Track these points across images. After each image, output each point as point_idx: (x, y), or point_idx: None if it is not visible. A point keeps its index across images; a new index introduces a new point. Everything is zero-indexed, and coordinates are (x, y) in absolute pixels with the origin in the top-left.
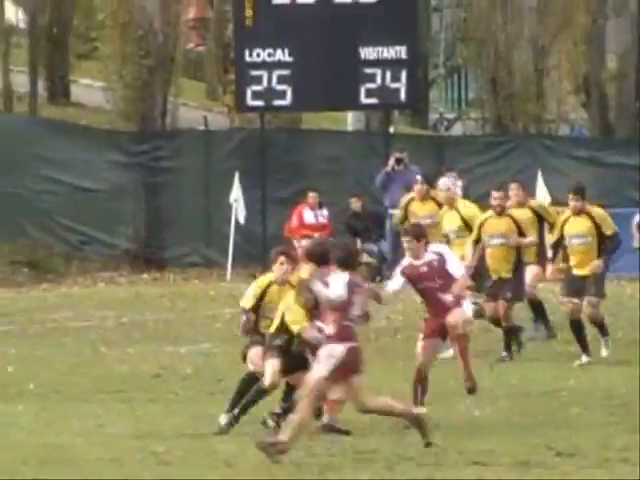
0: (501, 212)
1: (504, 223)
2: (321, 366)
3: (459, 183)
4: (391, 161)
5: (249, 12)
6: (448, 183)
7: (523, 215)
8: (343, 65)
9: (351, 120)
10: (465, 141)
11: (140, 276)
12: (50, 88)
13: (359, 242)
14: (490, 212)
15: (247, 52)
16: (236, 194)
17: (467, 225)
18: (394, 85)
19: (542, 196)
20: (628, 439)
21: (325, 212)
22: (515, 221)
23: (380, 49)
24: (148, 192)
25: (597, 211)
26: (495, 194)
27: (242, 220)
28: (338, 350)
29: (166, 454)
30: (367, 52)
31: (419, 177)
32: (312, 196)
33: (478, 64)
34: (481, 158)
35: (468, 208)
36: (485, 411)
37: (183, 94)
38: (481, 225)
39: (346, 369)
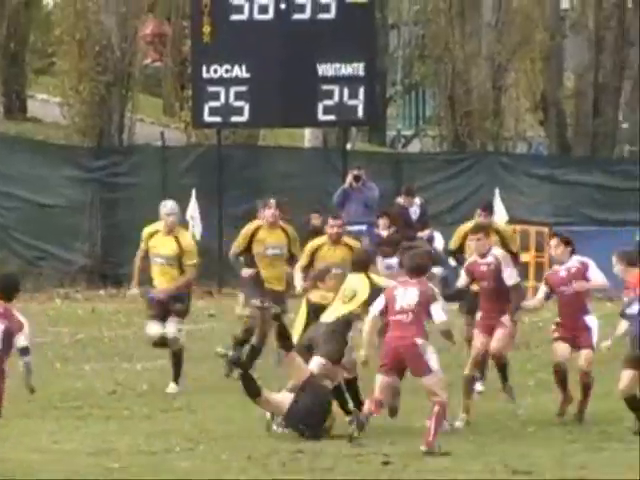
0: None
1: None
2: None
3: (416, 201)
4: (349, 178)
5: (207, 28)
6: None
7: None
8: (301, 82)
9: (309, 137)
10: (422, 158)
11: (96, 292)
12: (6, 103)
13: None
14: None
15: (204, 68)
16: (192, 210)
17: None
18: (352, 102)
19: (500, 214)
20: (585, 457)
21: None
22: None
23: (338, 66)
24: (105, 208)
25: (503, 227)
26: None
27: (198, 236)
28: None
29: (121, 471)
30: (325, 69)
31: (272, 201)
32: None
33: (436, 81)
34: (438, 175)
35: None
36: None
37: (140, 110)
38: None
39: None
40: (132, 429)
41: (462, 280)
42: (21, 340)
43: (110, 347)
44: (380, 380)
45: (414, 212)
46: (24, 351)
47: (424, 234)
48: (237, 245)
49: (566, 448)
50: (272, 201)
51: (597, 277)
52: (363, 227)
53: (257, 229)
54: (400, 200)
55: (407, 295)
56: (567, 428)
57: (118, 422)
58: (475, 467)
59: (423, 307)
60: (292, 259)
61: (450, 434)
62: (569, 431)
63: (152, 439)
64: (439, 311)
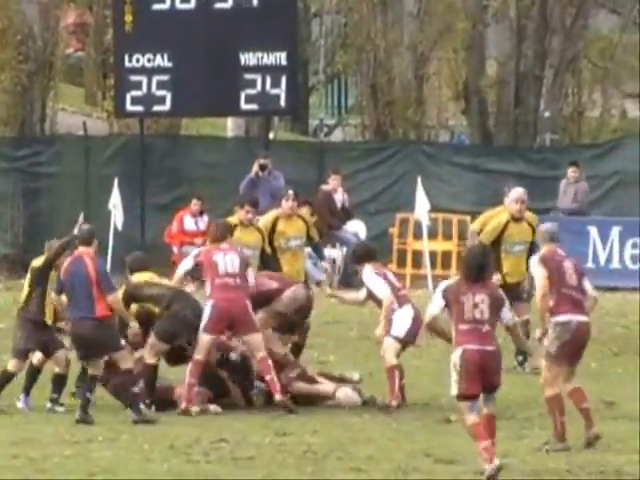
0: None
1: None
2: None
3: (340, 189)
4: (255, 167)
5: (129, 17)
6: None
7: None
8: (223, 71)
9: (231, 126)
10: (345, 147)
11: (18, 282)
12: None
13: None
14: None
15: (127, 57)
16: (115, 200)
17: None
18: (274, 91)
19: (421, 203)
20: (508, 446)
21: (206, 219)
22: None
23: (260, 55)
24: (27, 197)
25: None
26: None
27: (120, 226)
28: None
29: (43, 461)
30: (247, 58)
31: (290, 192)
32: (195, 203)
33: (358, 70)
34: (361, 164)
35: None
36: (364, 417)
37: (62, 99)
38: None
39: None
40: (54, 419)
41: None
42: None
43: None
44: None
45: (339, 199)
46: None
47: (350, 226)
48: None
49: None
50: (290, 192)
51: None
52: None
53: (275, 221)
54: (325, 187)
55: None
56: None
57: (40, 412)
58: (398, 456)
59: None
60: (310, 242)
61: (372, 424)
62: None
63: (74, 429)
64: None
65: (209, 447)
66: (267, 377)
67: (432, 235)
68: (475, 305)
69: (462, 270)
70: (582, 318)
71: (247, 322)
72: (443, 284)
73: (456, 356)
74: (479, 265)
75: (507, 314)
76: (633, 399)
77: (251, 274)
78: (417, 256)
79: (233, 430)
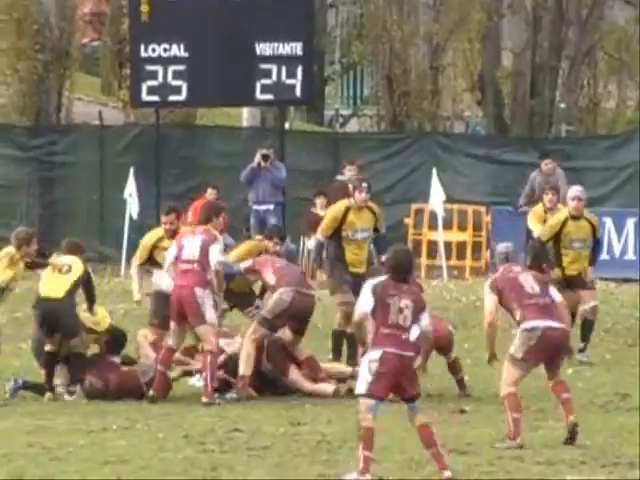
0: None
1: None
2: None
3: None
4: (257, 157)
5: (145, 7)
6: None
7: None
8: (238, 61)
9: (246, 116)
10: (360, 138)
11: (34, 271)
12: None
13: None
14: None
15: (142, 47)
16: (130, 189)
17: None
18: (290, 81)
19: (436, 194)
20: (522, 435)
21: None
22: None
23: (276, 45)
24: (42, 187)
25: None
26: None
27: (135, 215)
28: None
29: (58, 449)
30: (263, 48)
31: (364, 185)
32: (211, 192)
33: (374, 61)
34: (376, 155)
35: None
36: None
37: (78, 89)
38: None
39: None
40: (69, 408)
41: None
42: None
43: None
44: None
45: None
46: None
47: None
48: (326, 227)
49: (502, 427)
50: (364, 185)
51: None
52: (270, 206)
53: (347, 211)
54: (340, 177)
55: None
56: (502, 407)
57: (55, 401)
58: (412, 447)
59: None
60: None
61: (386, 415)
62: (504, 410)
63: (89, 418)
64: None
65: (223, 437)
66: (203, 373)
67: (447, 226)
68: (400, 310)
69: (388, 270)
70: (551, 323)
71: (192, 311)
72: (371, 282)
73: (374, 356)
74: (404, 266)
75: (425, 320)
76: None
77: (215, 256)
78: (432, 246)
79: (248, 420)
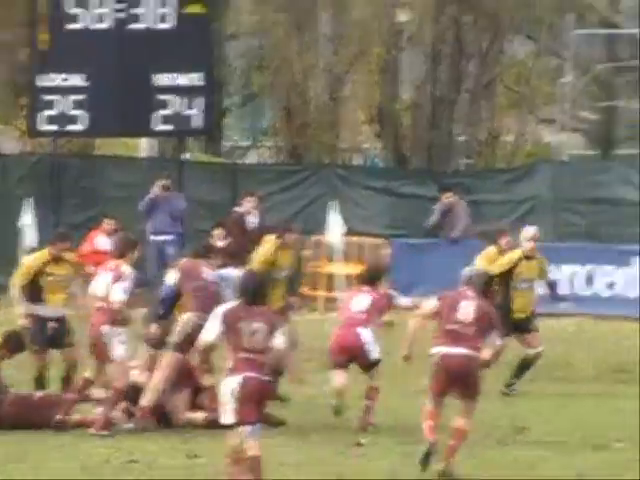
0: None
1: None
2: None
3: (255, 211)
4: (156, 189)
5: (44, 36)
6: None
7: None
8: (137, 91)
9: (145, 146)
10: (259, 169)
11: None
12: None
13: None
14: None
15: (41, 76)
16: (27, 219)
17: None
18: (188, 112)
19: (335, 226)
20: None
21: None
22: None
23: (175, 75)
24: None
25: None
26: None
27: (34, 244)
28: None
29: None
30: (161, 78)
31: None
32: (107, 222)
33: (273, 92)
34: (275, 187)
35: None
36: (277, 439)
37: None
38: None
39: None
40: None
41: None
42: None
43: None
44: None
45: (253, 222)
46: None
47: None
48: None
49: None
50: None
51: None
52: (169, 237)
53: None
54: (238, 209)
55: None
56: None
57: None
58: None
59: None
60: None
61: (288, 446)
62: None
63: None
64: None
65: (119, 468)
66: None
67: (345, 258)
68: (252, 333)
69: (239, 295)
70: (453, 350)
71: (99, 350)
72: (221, 309)
73: (234, 383)
74: (253, 290)
75: (279, 338)
76: None
77: (116, 294)
78: (330, 279)
79: (144, 451)
